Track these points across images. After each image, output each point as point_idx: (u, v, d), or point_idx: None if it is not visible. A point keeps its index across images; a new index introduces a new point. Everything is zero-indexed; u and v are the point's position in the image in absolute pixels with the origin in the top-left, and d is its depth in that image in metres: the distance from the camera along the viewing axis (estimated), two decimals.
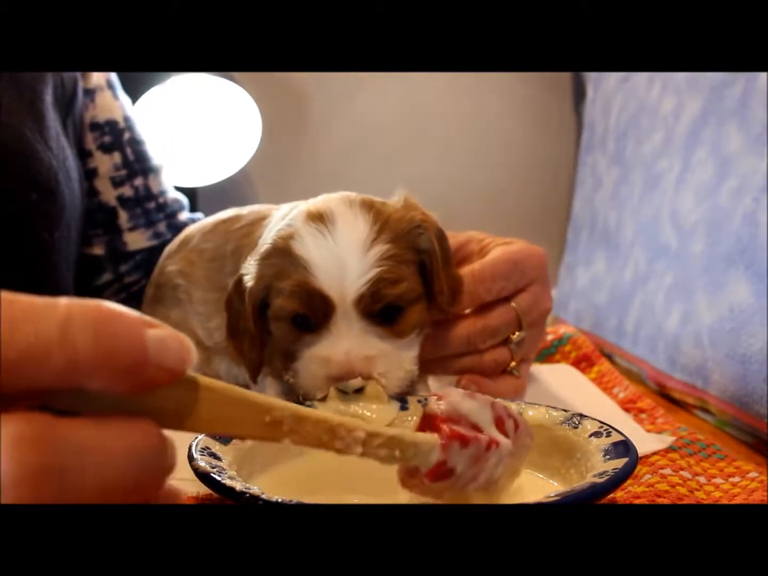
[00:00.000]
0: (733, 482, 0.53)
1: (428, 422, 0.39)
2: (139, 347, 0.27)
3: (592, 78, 1.31)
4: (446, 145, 1.58)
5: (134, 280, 0.86)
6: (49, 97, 0.76)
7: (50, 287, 0.75)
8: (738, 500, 0.50)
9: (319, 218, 0.57)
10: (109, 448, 0.26)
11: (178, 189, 0.92)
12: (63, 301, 0.26)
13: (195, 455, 0.44)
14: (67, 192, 0.76)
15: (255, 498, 0.40)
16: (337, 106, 1.57)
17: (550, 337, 0.84)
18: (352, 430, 0.31)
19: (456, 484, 0.38)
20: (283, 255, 0.56)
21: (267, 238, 0.60)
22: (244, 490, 0.40)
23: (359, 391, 0.55)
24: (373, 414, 0.55)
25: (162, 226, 0.87)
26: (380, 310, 0.56)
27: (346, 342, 0.55)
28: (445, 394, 0.41)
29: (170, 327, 0.28)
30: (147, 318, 0.28)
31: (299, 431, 0.30)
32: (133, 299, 0.86)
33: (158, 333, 0.27)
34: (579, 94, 1.51)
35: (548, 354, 0.83)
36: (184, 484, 0.51)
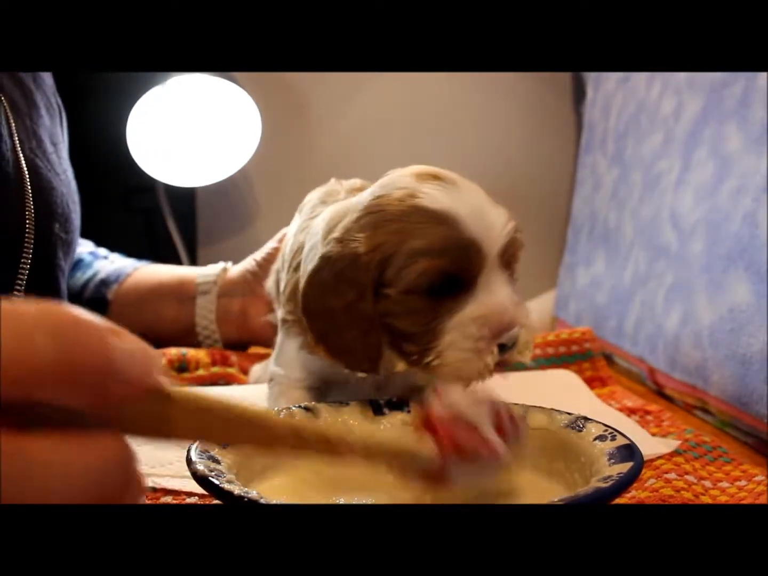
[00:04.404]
0: (739, 486, 0.52)
1: (427, 421, 0.40)
2: (103, 358, 0.25)
3: (592, 78, 1.31)
4: (446, 144, 1.58)
5: None
6: (43, 111, 0.76)
7: None
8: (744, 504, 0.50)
9: (434, 178, 0.52)
10: (68, 464, 0.25)
11: (177, 189, 0.91)
12: (29, 308, 0.24)
13: (193, 458, 0.42)
14: (75, 213, 0.77)
15: (253, 502, 0.39)
16: (337, 106, 1.57)
17: (575, 348, 0.81)
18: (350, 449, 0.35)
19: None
20: (406, 216, 0.50)
21: (351, 213, 0.54)
22: (242, 494, 0.40)
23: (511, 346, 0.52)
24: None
25: None
26: (508, 260, 0.53)
27: (500, 294, 0.51)
28: (444, 392, 0.41)
29: (136, 337, 0.27)
30: (114, 327, 0.26)
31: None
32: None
33: (125, 344, 0.26)
34: (579, 94, 1.51)
35: (565, 361, 0.80)
36: (184, 483, 0.52)
